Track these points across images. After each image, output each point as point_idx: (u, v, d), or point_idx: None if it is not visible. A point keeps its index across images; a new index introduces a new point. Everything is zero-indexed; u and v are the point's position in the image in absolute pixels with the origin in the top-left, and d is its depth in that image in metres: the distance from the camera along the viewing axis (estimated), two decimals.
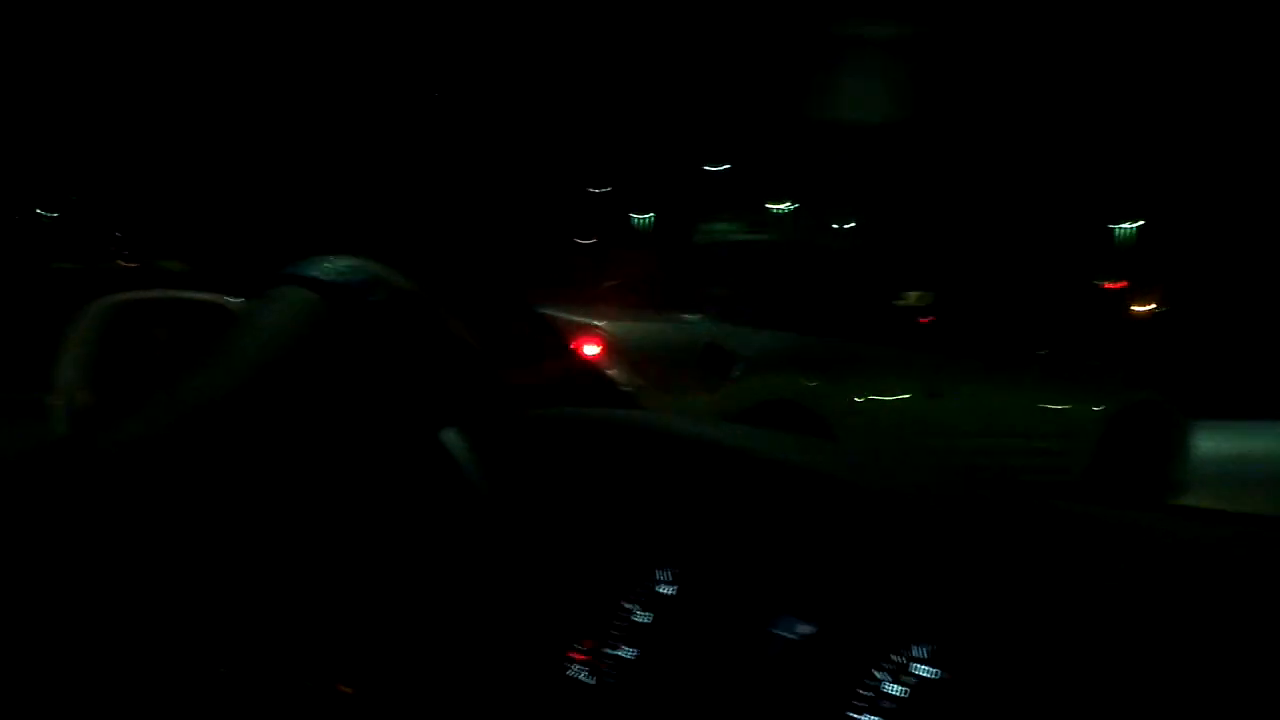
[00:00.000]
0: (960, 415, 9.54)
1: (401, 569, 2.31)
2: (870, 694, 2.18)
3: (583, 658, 2.34)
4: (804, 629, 2.21)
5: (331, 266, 1.96)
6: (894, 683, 2.16)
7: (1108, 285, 33.03)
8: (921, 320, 10.76)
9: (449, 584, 2.23)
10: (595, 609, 2.38)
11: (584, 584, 2.41)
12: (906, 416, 9.37)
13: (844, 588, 2.21)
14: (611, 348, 9.23)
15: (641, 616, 2.34)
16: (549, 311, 9.20)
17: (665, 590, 2.33)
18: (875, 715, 2.17)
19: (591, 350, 9.61)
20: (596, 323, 9.50)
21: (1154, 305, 31.94)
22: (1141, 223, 35.22)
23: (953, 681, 2.12)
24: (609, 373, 9.19)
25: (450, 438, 2.29)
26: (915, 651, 2.15)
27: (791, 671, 2.19)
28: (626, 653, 2.31)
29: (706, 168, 36.74)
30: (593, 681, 2.31)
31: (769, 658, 2.21)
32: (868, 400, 9.39)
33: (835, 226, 36.40)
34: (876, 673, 2.16)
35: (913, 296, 10.79)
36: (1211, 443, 12.21)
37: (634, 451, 2.51)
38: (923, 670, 2.16)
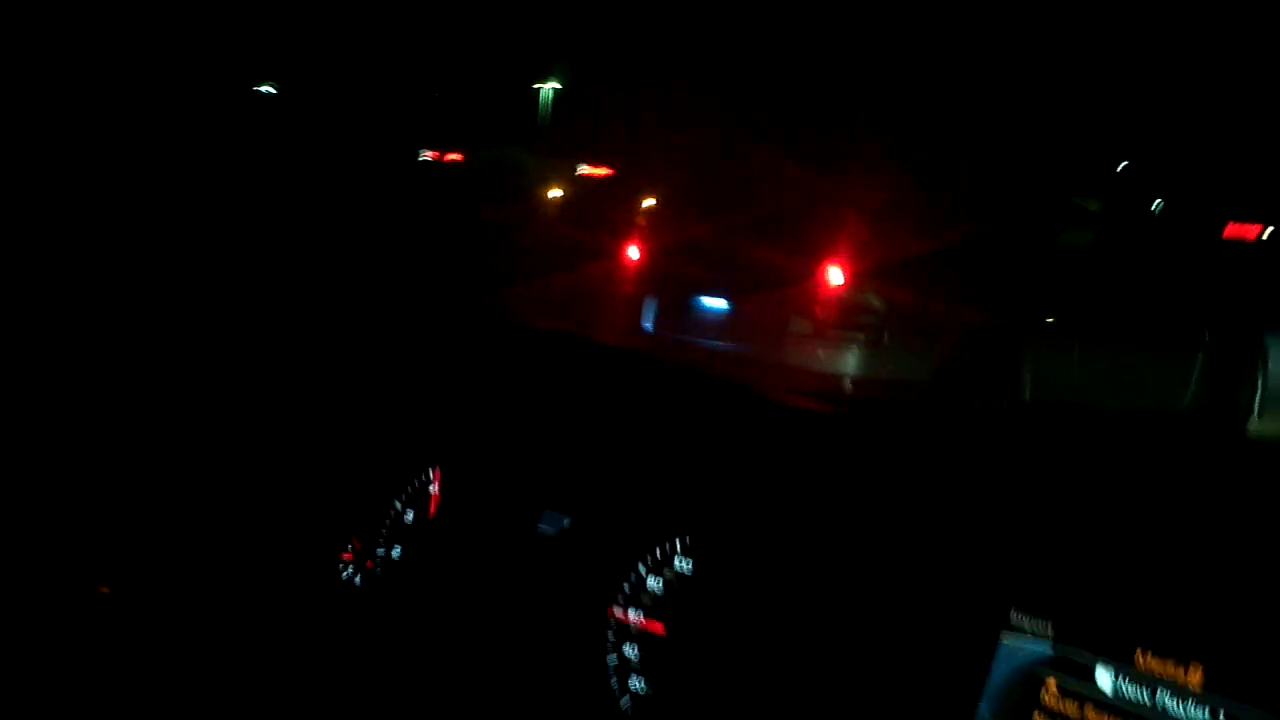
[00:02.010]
0: None
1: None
2: (630, 586, 2.14)
3: (351, 558, 2.25)
4: (564, 522, 2.16)
5: None
6: (652, 574, 2.12)
7: None
8: None
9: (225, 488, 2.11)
10: (364, 511, 2.28)
11: (354, 487, 2.31)
12: None
13: (603, 484, 2.16)
14: None
15: (408, 516, 2.25)
16: None
17: (432, 489, 2.25)
18: (636, 606, 2.14)
19: None
20: None
21: None
22: None
23: (703, 572, 2.09)
24: None
25: None
26: (670, 545, 2.12)
27: (554, 565, 2.14)
28: (394, 552, 2.23)
29: None
30: (360, 581, 2.22)
31: (532, 552, 2.15)
32: None
33: None
34: (638, 565, 2.13)
35: None
36: None
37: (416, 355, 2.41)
38: (679, 562, 2.13)
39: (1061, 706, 1.70)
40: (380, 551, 2.22)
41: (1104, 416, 8.98)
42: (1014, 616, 1.80)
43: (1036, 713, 1.71)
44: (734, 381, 2.51)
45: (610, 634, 2.10)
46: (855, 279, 8.95)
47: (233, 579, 2.10)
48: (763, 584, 2.04)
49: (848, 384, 9.05)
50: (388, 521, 2.24)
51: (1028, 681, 1.72)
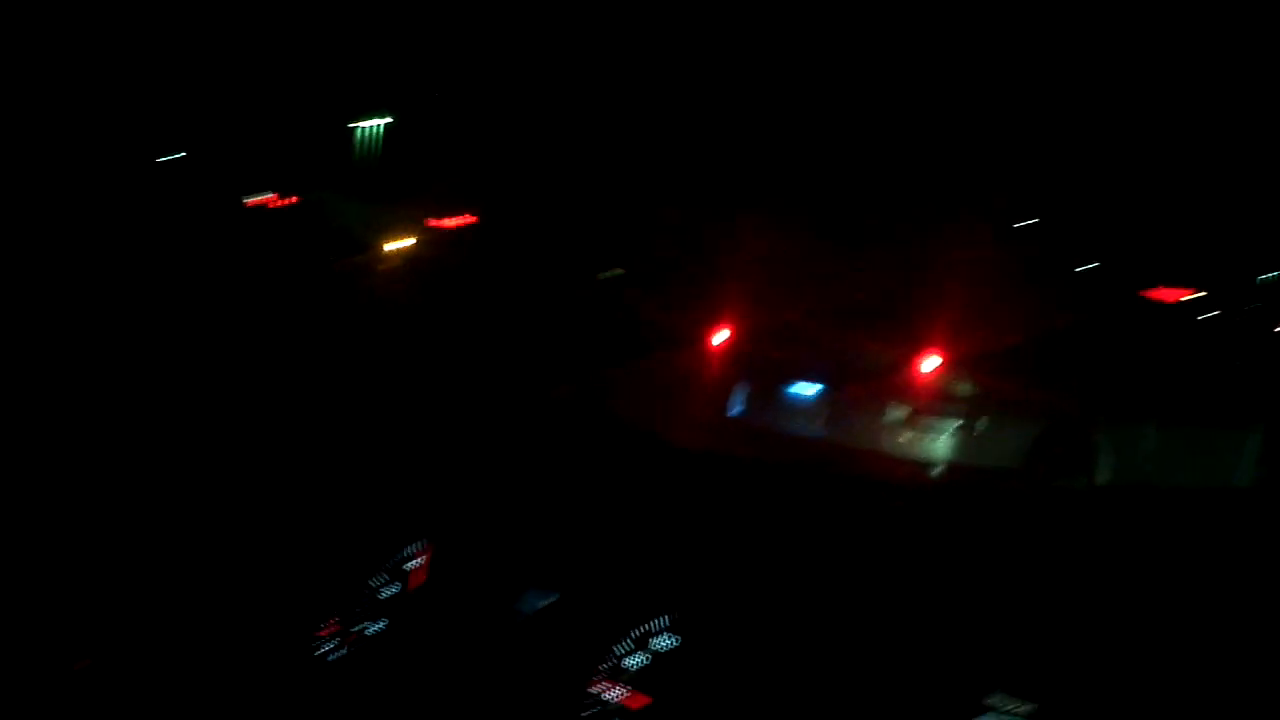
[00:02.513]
0: None
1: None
2: (613, 663, 2.09)
3: (329, 634, 2.22)
4: (547, 601, 2.12)
5: None
6: (636, 652, 2.08)
7: None
8: None
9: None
10: (343, 587, 2.26)
11: (336, 561, 2.29)
12: None
13: (588, 563, 2.12)
14: None
15: (389, 591, 2.23)
16: None
17: (414, 564, 2.22)
18: (619, 683, 2.09)
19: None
20: None
21: None
22: None
23: (687, 649, 2.05)
24: None
25: None
26: (655, 623, 2.07)
27: (536, 644, 2.10)
28: (374, 628, 2.20)
29: None
30: (340, 657, 2.20)
31: (514, 631, 2.12)
32: None
33: None
34: (619, 643, 2.08)
35: None
36: None
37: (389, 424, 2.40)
38: (663, 639, 2.08)
39: None
40: (361, 627, 2.20)
41: (1168, 496, 8.96)
42: (994, 697, 1.77)
43: None
44: (719, 461, 2.46)
45: (593, 711, 2.06)
46: (949, 367, 8.97)
47: (212, 655, 2.09)
48: (745, 660, 1.99)
49: (942, 469, 8.95)
50: (369, 597, 2.22)
51: None
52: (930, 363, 9.13)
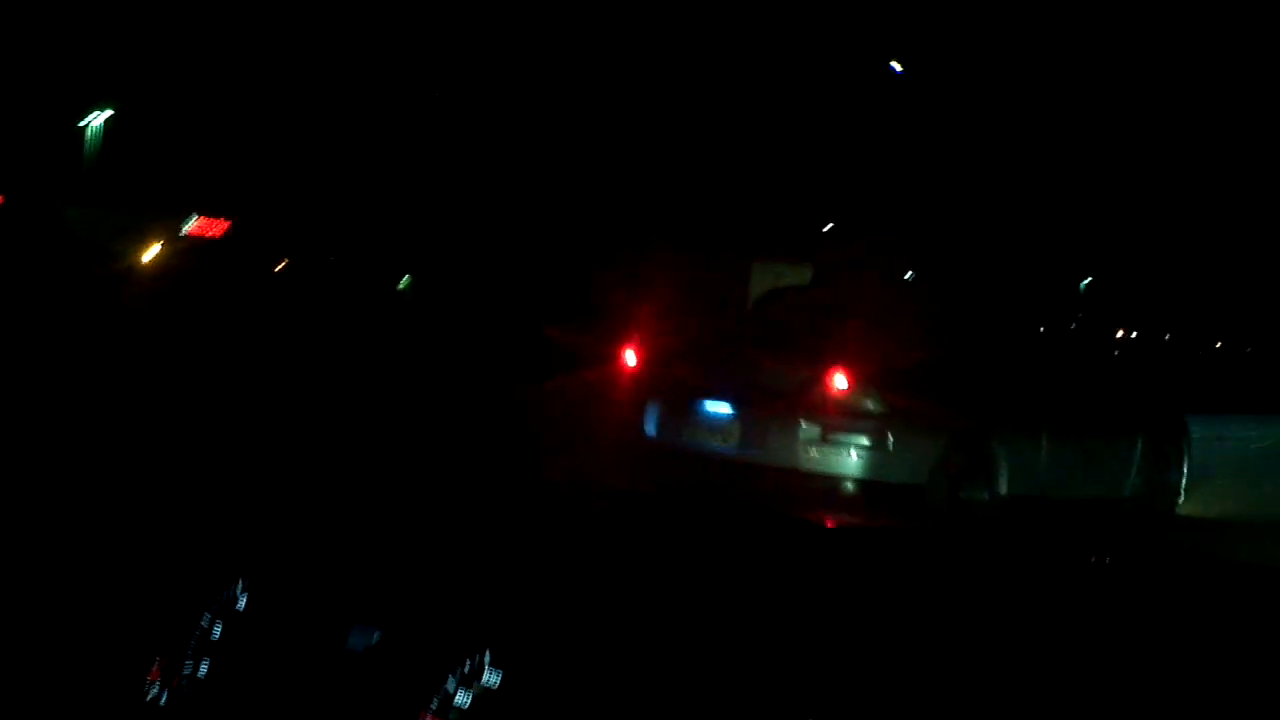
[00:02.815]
0: None
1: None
2: (441, 697, 2.08)
3: (157, 676, 2.19)
4: (374, 638, 2.10)
5: None
6: (462, 686, 2.06)
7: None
8: None
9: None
10: (170, 626, 2.22)
11: (159, 600, 2.26)
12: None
13: (412, 597, 2.11)
14: None
15: (216, 631, 2.20)
16: None
17: (240, 603, 2.19)
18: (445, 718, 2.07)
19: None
20: None
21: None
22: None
23: (512, 685, 2.03)
24: None
25: None
26: (479, 657, 2.06)
27: (364, 680, 2.08)
28: (201, 669, 2.17)
29: None
30: (166, 700, 2.16)
31: (342, 667, 2.10)
32: None
33: None
34: (447, 676, 2.07)
35: None
36: None
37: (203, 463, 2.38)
38: (488, 675, 2.07)
39: None
40: (188, 668, 2.17)
41: (1065, 506, 9.22)
42: None
43: None
44: (546, 487, 2.45)
45: None
46: (859, 385, 9.10)
47: (28, 701, 2.05)
48: (569, 696, 1.98)
49: (850, 486, 9.09)
50: (195, 636, 2.19)
51: None
52: (839, 381, 9.27)
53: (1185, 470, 10.53)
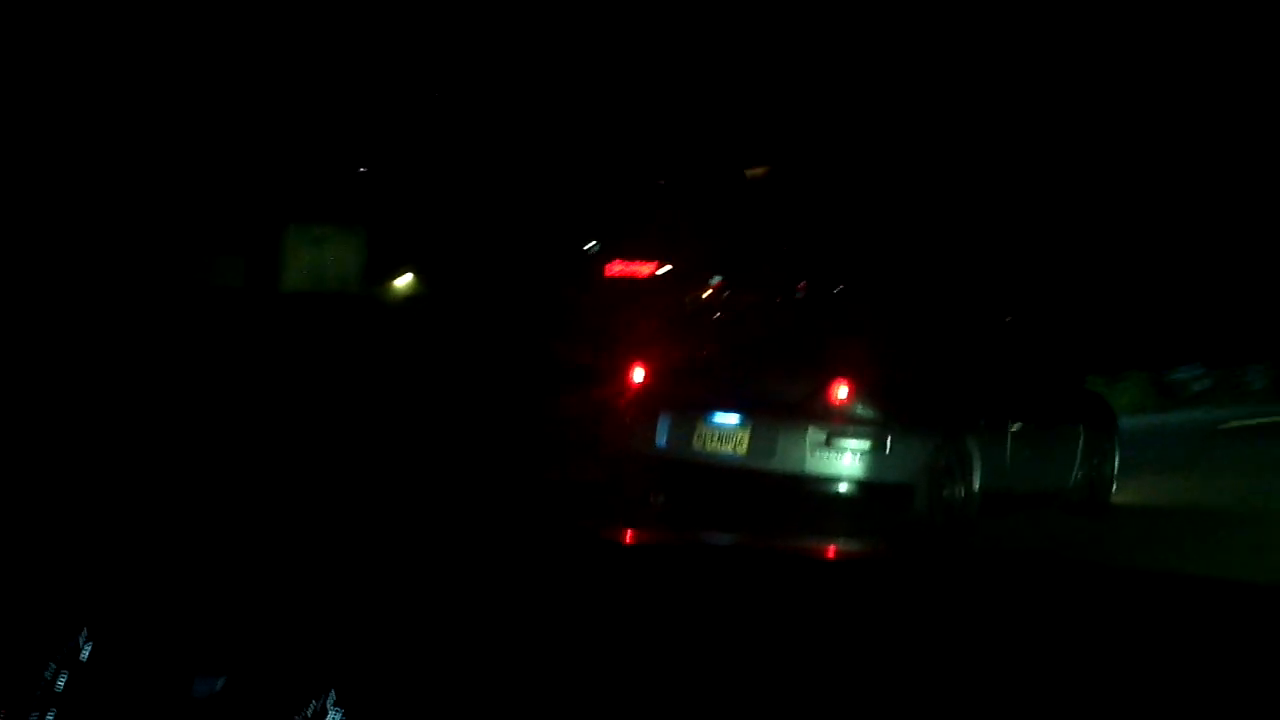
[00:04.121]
0: None
1: None
2: None
3: None
4: (218, 685, 1.96)
5: None
6: None
7: None
8: None
9: None
10: (12, 677, 2.09)
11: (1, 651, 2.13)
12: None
13: (254, 643, 1.96)
14: None
15: (60, 683, 2.06)
16: None
17: (84, 653, 2.06)
18: None
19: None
20: None
21: None
22: None
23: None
24: None
25: None
26: (321, 699, 1.92)
27: None
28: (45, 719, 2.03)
29: None
30: None
31: (187, 715, 1.95)
32: None
33: None
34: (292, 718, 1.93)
35: None
36: None
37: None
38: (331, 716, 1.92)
39: None
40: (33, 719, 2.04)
41: (1025, 499, 9.60)
42: None
43: None
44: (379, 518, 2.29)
45: None
46: (859, 394, 9.12)
47: None
48: None
49: (850, 487, 9.05)
50: (38, 688, 2.06)
51: None
52: (842, 391, 9.25)
53: (1117, 462, 10.88)
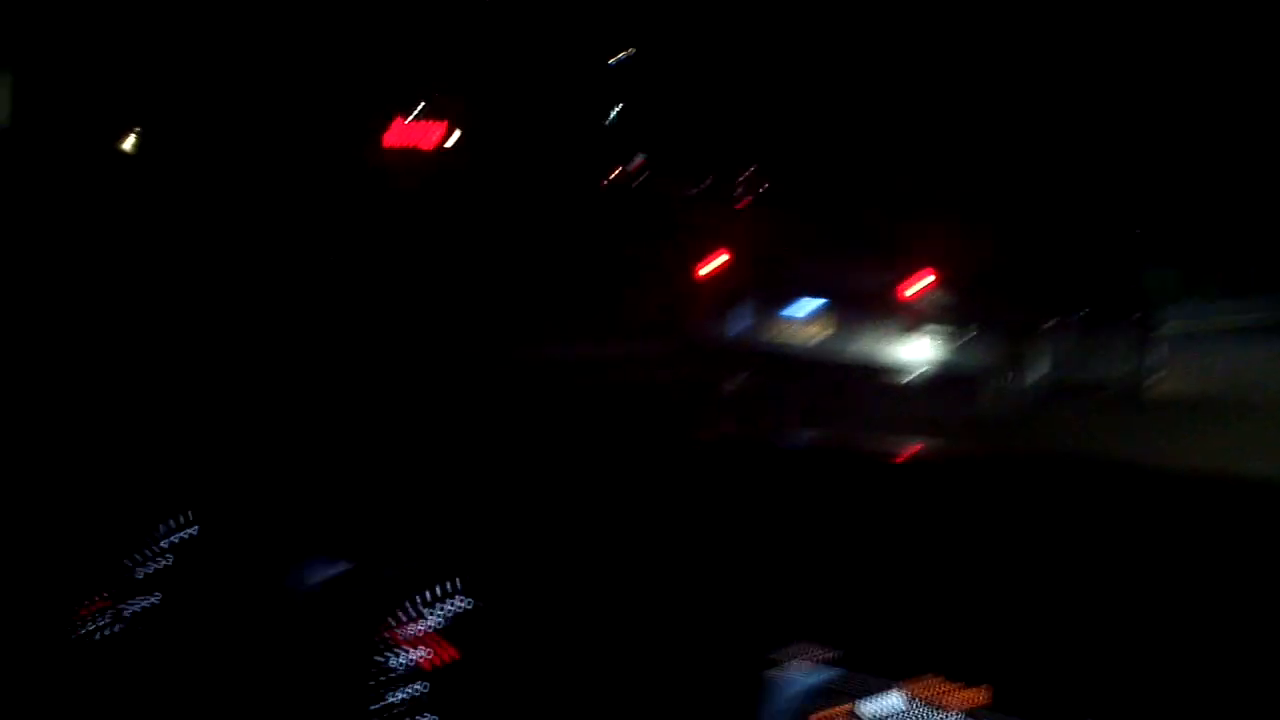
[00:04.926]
0: None
1: None
2: (404, 630, 1.70)
3: (98, 609, 1.83)
4: (332, 570, 1.72)
5: None
6: (429, 611, 1.69)
7: None
8: None
9: None
10: (108, 561, 1.86)
11: (94, 536, 1.89)
12: None
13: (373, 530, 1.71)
14: None
15: (159, 565, 1.83)
16: None
17: (186, 533, 1.82)
18: (411, 649, 1.69)
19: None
20: None
21: None
22: None
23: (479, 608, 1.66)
24: None
25: None
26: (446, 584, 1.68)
27: (319, 614, 1.70)
28: (145, 603, 1.81)
29: None
30: (108, 635, 1.81)
31: (296, 601, 1.72)
32: None
33: None
34: (409, 609, 1.69)
35: None
36: None
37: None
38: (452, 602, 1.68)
39: None
40: (133, 602, 1.81)
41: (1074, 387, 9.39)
42: (791, 648, 1.45)
43: None
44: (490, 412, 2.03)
45: (386, 677, 1.67)
46: (935, 288, 8.90)
47: None
48: (534, 618, 1.60)
49: (918, 376, 8.87)
50: (138, 569, 1.83)
51: (801, 712, 1.44)
52: (921, 281, 8.96)
53: (1158, 357, 10.70)
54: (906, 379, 9.05)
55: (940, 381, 8.79)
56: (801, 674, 1.47)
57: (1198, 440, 8.53)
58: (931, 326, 8.95)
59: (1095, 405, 9.58)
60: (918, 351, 8.99)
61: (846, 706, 1.43)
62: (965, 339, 8.90)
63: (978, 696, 1.40)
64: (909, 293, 9.05)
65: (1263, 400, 10.78)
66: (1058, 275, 9.82)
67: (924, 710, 1.42)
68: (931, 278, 9.03)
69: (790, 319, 9.40)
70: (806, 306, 9.37)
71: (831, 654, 1.47)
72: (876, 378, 9.04)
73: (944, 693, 1.41)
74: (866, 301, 9.07)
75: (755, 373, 9.38)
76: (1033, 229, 10.16)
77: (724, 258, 9.68)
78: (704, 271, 9.73)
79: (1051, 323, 9.44)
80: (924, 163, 11.22)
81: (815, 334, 9.35)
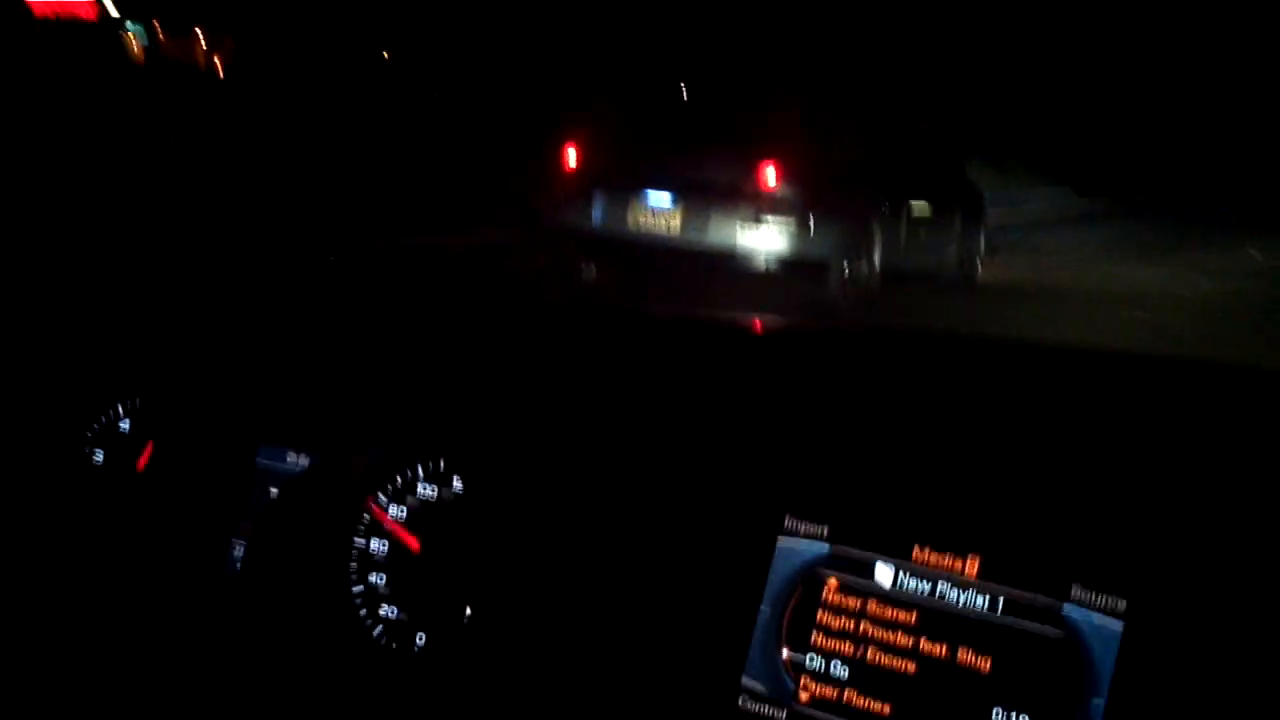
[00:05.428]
0: None
1: None
2: (374, 514, 1.59)
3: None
4: (297, 460, 1.58)
5: None
6: (397, 502, 1.57)
7: None
8: None
9: None
10: (53, 450, 1.67)
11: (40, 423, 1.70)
12: None
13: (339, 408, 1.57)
14: None
15: (98, 456, 1.67)
16: None
17: (125, 426, 1.66)
18: (378, 536, 1.59)
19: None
20: None
21: None
22: None
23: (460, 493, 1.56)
24: None
25: None
26: (425, 468, 1.56)
27: (291, 505, 1.56)
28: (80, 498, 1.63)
29: None
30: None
31: (256, 490, 1.58)
32: None
33: None
34: (380, 494, 1.57)
35: None
36: None
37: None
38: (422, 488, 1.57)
39: (843, 602, 1.44)
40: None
41: (912, 275, 9.82)
42: (790, 521, 1.45)
43: (819, 610, 1.45)
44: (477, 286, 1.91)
45: (355, 563, 1.57)
46: (784, 179, 8.95)
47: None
48: (525, 501, 1.51)
49: (770, 262, 8.98)
50: (75, 463, 1.65)
51: (808, 581, 1.45)
52: (769, 174, 9.00)
53: (983, 244, 11.33)
54: (757, 266, 9.13)
55: (789, 268, 8.90)
56: (804, 544, 1.43)
57: (1019, 316, 9.09)
58: (779, 216, 9.00)
59: (929, 290, 10.01)
60: (767, 240, 9.05)
61: (855, 574, 1.42)
62: (810, 228, 9.00)
63: (969, 565, 1.40)
64: (754, 185, 9.09)
65: (1076, 282, 11.49)
66: (893, 167, 10.05)
67: (924, 578, 1.41)
68: (773, 170, 9.09)
69: (643, 209, 9.35)
70: (660, 198, 9.32)
71: (824, 527, 1.44)
72: (728, 265, 9.09)
73: (939, 561, 1.41)
74: (716, 192, 9.06)
75: (610, 261, 9.34)
76: (870, 123, 10.39)
77: (573, 153, 9.54)
78: (562, 161, 9.55)
79: (887, 212, 9.71)
80: (768, 60, 11.22)
81: (668, 224, 9.32)
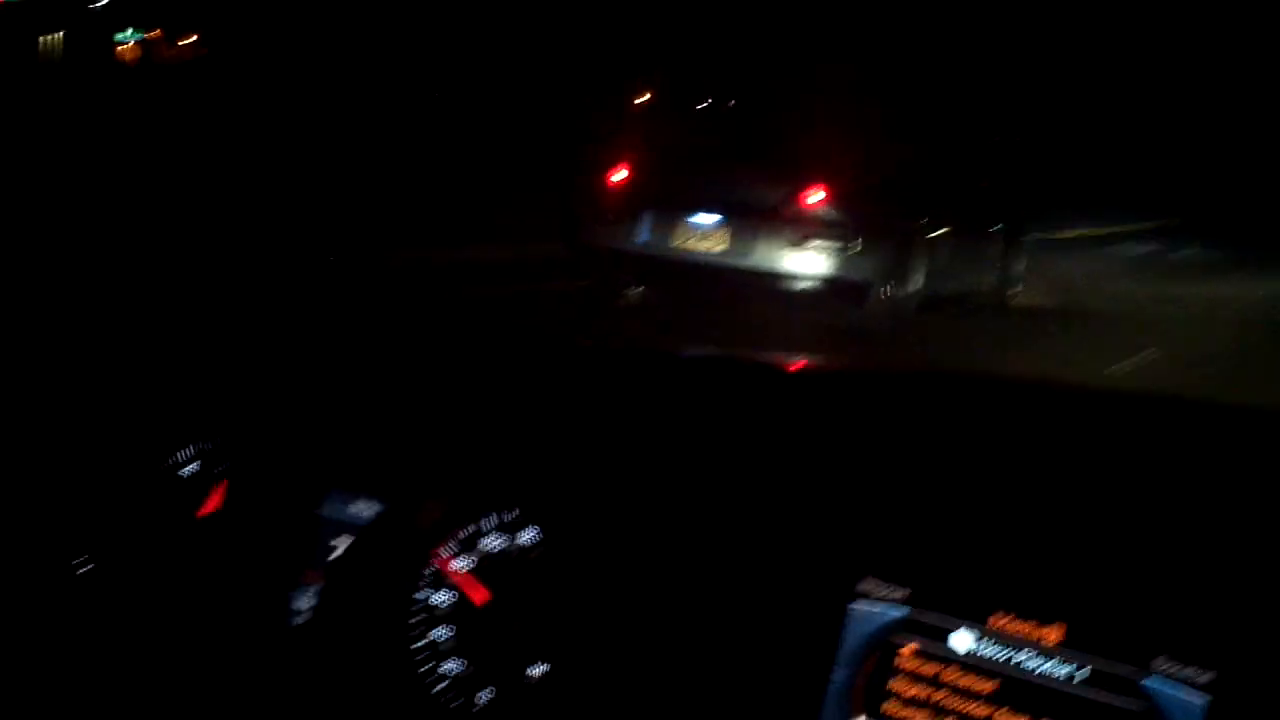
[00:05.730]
0: None
1: None
2: (437, 567, 1.54)
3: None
4: (363, 507, 1.55)
5: None
6: (465, 552, 1.53)
7: None
8: None
9: None
10: (100, 495, 1.63)
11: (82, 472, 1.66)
12: None
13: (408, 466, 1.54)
14: None
15: (162, 502, 1.63)
16: None
17: (190, 471, 1.62)
18: (444, 588, 1.55)
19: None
20: None
21: None
22: None
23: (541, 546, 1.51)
24: None
25: None
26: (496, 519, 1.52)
27: (353, 553, 1.53)
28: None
29: None
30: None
31: (319, 543, 1.54)
32: None
33: None
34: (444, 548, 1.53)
35: None
36: None
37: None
38: (496, 539, 1.53)
39: (919, 669, 1.38)
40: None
41: (950, 297, 9.78)
42: (867, 583, 1.40)
43: (894, 677, 1.38)
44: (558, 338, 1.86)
45: (423, 615, 1.53)
46: (832, 201, 8.87)
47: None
48: (603, 555, 1.47)
49: (813, 284, 8.91)
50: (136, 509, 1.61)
51: (883, 646, 1.39)
52: (814, 196, 8.94)
53: (1023, 265, 11.30)
54: (798, 289, 9.05)
55: (829, 290, 8.85)
56: (880, 608, 1.38)
57: (1053, 345, 9.09)
58: (825, 238, 8.93)
59: (963, 314, 9.93)
60: (811, 262, 8.98)
61: (932, 639, 1.37)
62: (854, 250, 8.92)
63: (1051, 633, 1.34)
64: (802, 207, 9.01)
65: (1112, 307, 11.32)
66: (932, 189, 9.91)
67: (1003, 646, 1.36)
68: (823, 193, 8.99)
69: (691, 230, 9.30)
70: (707, 219, 9.27)
71: (902, 590, 1.39)
72: (771, 287, 9.02)
73: (1018, 628, 1.35)
74: (764, 213, 8.98)
75: (655, 281, 9.29)
76: (913, 144, 10.16)
77: (624, 173, 9.48)
78: (608, 180, 9.50)
79: (926, 236, 9.59)
80: (819, 81, 11.14)
81: (715, 245, 9.26)
